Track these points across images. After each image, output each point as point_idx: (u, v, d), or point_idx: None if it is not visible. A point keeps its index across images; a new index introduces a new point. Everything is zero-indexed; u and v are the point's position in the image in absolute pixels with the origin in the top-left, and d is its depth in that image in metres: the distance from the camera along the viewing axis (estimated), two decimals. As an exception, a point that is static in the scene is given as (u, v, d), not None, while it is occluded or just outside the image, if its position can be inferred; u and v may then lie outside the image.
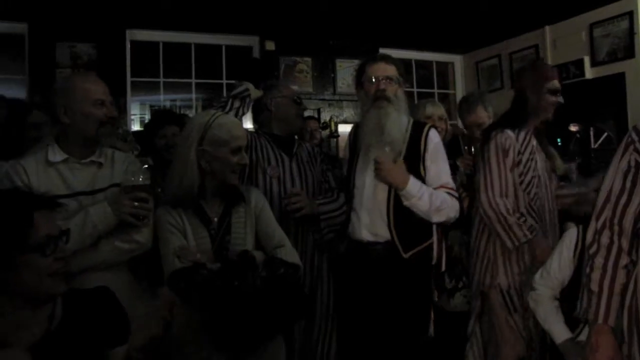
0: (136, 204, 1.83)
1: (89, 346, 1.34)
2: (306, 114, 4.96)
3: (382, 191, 2.34)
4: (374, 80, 2.36)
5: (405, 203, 2.28)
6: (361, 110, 2.47)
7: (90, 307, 1.40)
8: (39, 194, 1.50)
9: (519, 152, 2.43)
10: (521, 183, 2.43)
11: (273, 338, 1.89)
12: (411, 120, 2.43)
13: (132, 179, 1.87)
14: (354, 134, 2.54)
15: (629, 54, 4.44)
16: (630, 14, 4.42)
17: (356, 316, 2.37)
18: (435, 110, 3.01)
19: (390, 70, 2.37)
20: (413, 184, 2.26)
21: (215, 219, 1.93)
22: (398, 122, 2.33)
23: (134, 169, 1.99)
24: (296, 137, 2.72)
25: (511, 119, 2.50)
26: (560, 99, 2.53)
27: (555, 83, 2.53)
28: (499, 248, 2.41)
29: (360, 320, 2.35)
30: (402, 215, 2.31)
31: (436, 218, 2.31)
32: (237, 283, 1.72)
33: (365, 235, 2.36)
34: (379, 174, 2.28)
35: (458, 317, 2.63)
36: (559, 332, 2.07)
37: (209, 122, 1.91)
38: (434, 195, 2.29)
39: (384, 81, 2.34)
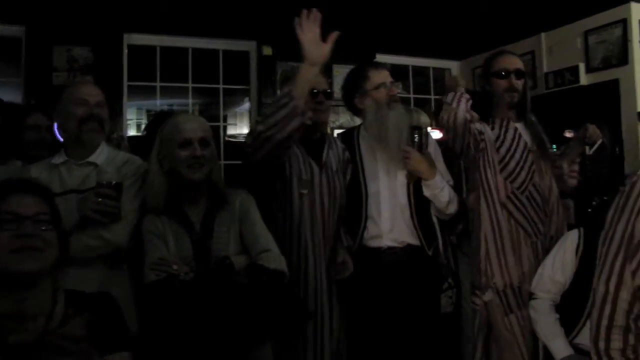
0: (100, 200, 1.84)
1: (86, 349, 1.34)
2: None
3: (402, 195, 2.37)
4: (384, 85, 2.41)
5: (428, 194, 2.33)
6: (370, 116, 2.45)
7: (92, 310, 1.40)
8: (33, 181, 1.59)
9: (496, 139, 2.43)
10: (502, 170, 2.40)
11: (256, 347, 1.83)
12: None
13: (105, 176, 1.88)
14: (348, 141, 2.53)
15: (623, 60, 4.46)
16: (624, 22, 4.45)
17: (374, 326, 2.33)
18: (426, 119, 3.12)
19: (390, 76, 2.45)
20: (438, 174, 2.35)
21: (198, 224, 1.89)
22: (409, 124, 2.41)
23: (127, 170, 2.01)
24: (327, 131, 2.57)
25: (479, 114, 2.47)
26: (514, 81, 2.45)
27: (501, 64, 2.47)
28: (492, 247, 2.39)
29: (379, 329, 2.32)
30: (422, 216, 2.38)
31: (449, 209, 2.40)
32: (212, 292, 1.68)
33: (385, 242, 2.36)
34: (409, 163, 2.32)
35: (444, 319, 2.59)
36: (559, 348, 2.05)
37: (163, 125, 1.91)
38: (448, 187, 2.40)
39: (393, 86, 2.43)
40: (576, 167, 2.57)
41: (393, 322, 2.30)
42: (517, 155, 2.41)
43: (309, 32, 2.02)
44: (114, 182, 1.88)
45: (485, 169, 2.41)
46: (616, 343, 1.24)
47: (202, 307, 1.66)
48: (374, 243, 2.38)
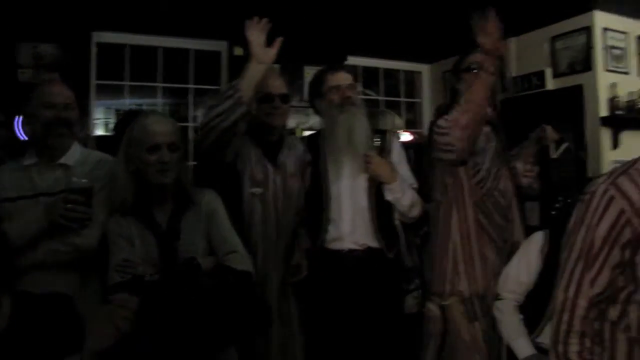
0: (69, 206, 1.81)
1: (36, 351, 1.31)
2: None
3: (363, 198, 2.39)
4: (338, 88, 2.42)
5: (390, 198, 2.35)
6: (325, 119, 2.49)
7: (42, 311, 1.37)
8: None
9: None
10: (474, 175, 2.39)
11: (222, 350, 1.83)
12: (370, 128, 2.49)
13: (74, 180, 1.85)
14: (313, 144, 2.54)
15: (587, 67, 4.59)
16: (588, 29, 4.58)
17: (335, 328, 2.34)
18: (399, 122, 3.17)
19: (350, 78, 2.46)
20: (400, 178, 2.37)
21: (164, 225, 1.87)
22: (365, 126, 2.39)
23: (100, 171, 1.97)
24: (287, 134, 2.55)
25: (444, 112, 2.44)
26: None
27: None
28: (460, 255, 2.40)
29: (340, 330, 2.33)
30: (383, 219, 2.41)
31: (412, 213, 2.43)
32: (178, 294, 1.67)
33: (346, 244, 2.37)
34: (369, 168, 2.33)
35: (410, 319, 2.63)
36: (522, 347, 2.10)
37: (132, 124, 1.89)
38: (410, 191, 2.41)
39: (348, 89, 2.42)
40: (529, 167, 2.59)
41: (353, 324, 2.32)
42: (487, 161, 2.42)
43: (256, 37, 2.13)
44: (83, 187, 1.84)
45: (460, 175, 2.41)
46: (574, 347, 1.28)
47: (167, 308, 1.64)
48: (335, 245, 2.39)
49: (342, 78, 2.46)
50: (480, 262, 2.39)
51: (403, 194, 2.36)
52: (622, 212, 1.21)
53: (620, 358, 1.28)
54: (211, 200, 1.98)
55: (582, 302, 1.28)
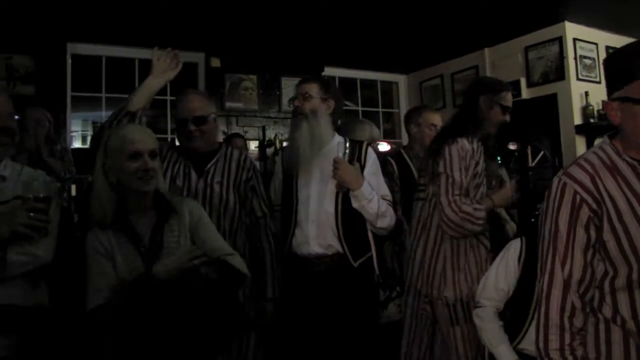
0: (32, 214, 1.78)
1: None
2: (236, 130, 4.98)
3: (330, 203, 2.40)
4: (293, 98, 2.52)
5: (356, 205, 2.36)
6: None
7: (22, 329, 1.34)
8: None
9: (476, 163, 2.39)
10: (475, 195, 2.40)
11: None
12: (347, 139, 2.52)
13: (33, 190, 1.82)
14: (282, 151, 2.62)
15: (560, 76, 4.70)
16: (560, 39, 4.69)
17: (304, 331, 2.35)
18: (376, 132, 3.28)
19: (309, 87, 2.49)
20: (366, 186, 2.36)
21: (147, 236, 1.84)
22: (305, 135, 2.42)
23: (38, 185, 1.94)
24: (228, 152, 2.53)
25: (461, 127, 2.46)
26: (507, 118, 2.51)
27: (508, 99, 2.51)
28: (448, 261, 2.41)
29: (309, 333, 2.34)
30: (349, 226, 2.40)
31: (380, 223, 2.41)
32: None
33: (314, 248, 2.38)
34: (337, 173, 2.34)
35: (392, 327, 2.62)
36: (503, 354, 2.09)
37: (108, 136, 1.88)
38: (380, 200, 2.41)
39: (299, 98, 2.48)
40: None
41: (321, 329, 2.33)
42: (484, 179, 2.44)
43: (163, 63, 2.31)
44: (46, 196, 1.82)
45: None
46: (553, 343, 1.30)
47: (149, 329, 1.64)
48: (302, 250, 2.40)
49: (300, 88, 2.52)
50: (476, 269, 2.41)
51: (369, 202, 2.37)
52: (575, 193, 1.29)
53: (617, 356, 1.29)
54: (194, 209, 1.95)
55: (557, 292, 1.31)
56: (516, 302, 2.15)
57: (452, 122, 2.55)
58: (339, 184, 2.38)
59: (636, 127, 1.26)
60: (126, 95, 2.24)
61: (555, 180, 1.34)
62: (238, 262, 1.88)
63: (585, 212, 1.28)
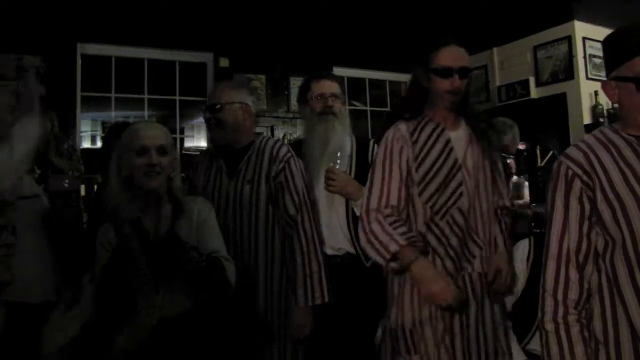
0: None
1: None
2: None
3: (340, 205, 2.37)
4: (320, 96, 2.41)
5: (358, 213, 2.31)
6: (306, 126, 2.49)
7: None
8: None
9: (416, 157, 1.97)
10: (421, 193, 1.95)
11: None
12: (354, 138, 2.48)
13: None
14: (296, 151, 2.45)
15: (569, 75, 4.67)
16: (569, 38, 4.66)
17: (316, 331, 2.29)
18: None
19: (335, 87, 2.44)
20: None
21: (152, 233, 1.84)
22: (342, 137, 2.39)
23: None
24: (262, 143, 2.31)
25: (405, 108, 2.13)
26: (457, 82, 2.02)
27: (443, 60, 2.02)
28: (407, 288, 2.00)
29: (323, 334, 2.30)
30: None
31: None
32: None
33: (325, 251, 2.34)
34: (332, 185, 2.29)
35: None
36: (513, 354, 2.09)
37: (125, 131, 1.90)
38: None
39: (331, 98, 2.40)
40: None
41: (333, 328, 2.30)
42: (441, 174, 1.96)
43: None
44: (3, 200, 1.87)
45: (412, 191, 1.98)
46: (548, 315, 1.38)
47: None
48: None
49: (326, 86, 2.43)
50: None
51: None
52: (568, 168, 1.38)
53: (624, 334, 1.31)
54: (202, 209, 1.95)
55: (552, 263, 1.39)
56: (525, 302, 2.14)
57: (400, 101, 2.43)
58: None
59: (632, 105, 1.32)
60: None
61: (556, 162, 1.44)
62: (230, 269, 1.84)
63: (577, 185, 1.36)
